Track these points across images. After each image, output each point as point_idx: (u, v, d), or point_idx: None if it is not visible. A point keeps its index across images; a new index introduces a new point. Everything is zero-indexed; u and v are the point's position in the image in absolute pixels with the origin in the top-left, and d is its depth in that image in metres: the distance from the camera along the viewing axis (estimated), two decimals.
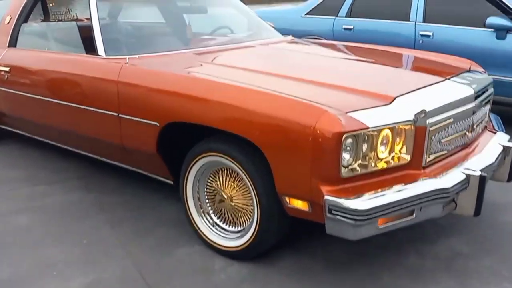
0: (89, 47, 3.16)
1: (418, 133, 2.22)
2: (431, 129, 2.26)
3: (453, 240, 2.81)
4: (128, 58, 2.93)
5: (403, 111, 2.20)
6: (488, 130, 2.93)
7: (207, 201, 2.70)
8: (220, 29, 3.98)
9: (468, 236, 2.85)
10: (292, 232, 2.65)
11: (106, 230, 2.95)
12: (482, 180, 2.26)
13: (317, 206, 2.14)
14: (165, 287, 2.42)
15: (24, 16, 3.83)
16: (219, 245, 2.62)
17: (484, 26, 4.60)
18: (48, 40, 3.66)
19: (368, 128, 2.08)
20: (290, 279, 2.46)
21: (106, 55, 3.03)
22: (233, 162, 2.41)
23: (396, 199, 2.09)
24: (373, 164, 2.16)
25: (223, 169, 2.58)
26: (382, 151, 2.18)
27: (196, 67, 2.80)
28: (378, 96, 2.29)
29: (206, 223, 2.69)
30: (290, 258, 2.63)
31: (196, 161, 2.60)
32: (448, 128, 2.39)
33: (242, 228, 2.58)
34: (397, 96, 2.28)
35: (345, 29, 5.89)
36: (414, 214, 2.18)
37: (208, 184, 2.68)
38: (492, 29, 4.59)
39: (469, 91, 2.53)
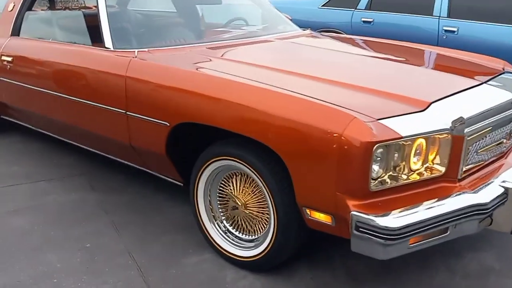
0: (96, 38, 2.99)
1: (455, 143, 2.03)
2: (468, 138, 2.07)
3: (483, 255, 2.62)
4: (137, 51, 2.75)
5: (439, 118, 2.02)
6: None
7: (219, 207, 2.53)
8: (235, 20, 3.79)
9: (498, 250, 2.66)
10: (309, 241, 2.48)
11: (110, 235, 2.79)
12: None
13: (341, 221, 1.97)
14: None
15: (29, 3, 3.65)
16: (232, 254, 2.46)
17: None
18: (53, 30, 3.49)
19: (402, 137, 1.90)
20: None
21: (113, 48, 2.85)
22: (249, 169, 2.25)
23: (430, 216, 1.91)
24: (404, 176, 1.98)
25: (237, 174, 2.42)
26: (415, 162, 2.00)
27: (211, 64, 2.62)
28: (412, 101, 2.11)
29: (218, 230, 2.53)
30: (308, 271, 2.47)
31: (208, 165, 2.44)
32: (486, 137, 2.21)
33: (256, 236, 2.41)
34: (433, 102, 2.09)
35: (364, 22, 5.69)
36: (448, 231, 2.01)
37: (221, 189, 2.51)
38: None
39: (508, 96, 2.34)
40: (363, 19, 5.71)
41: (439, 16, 4.96)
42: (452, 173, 2.08)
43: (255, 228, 2.43)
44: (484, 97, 2.29)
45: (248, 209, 2.40)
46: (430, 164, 2.04)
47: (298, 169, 2.02)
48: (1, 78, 3.62)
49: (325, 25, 5.78)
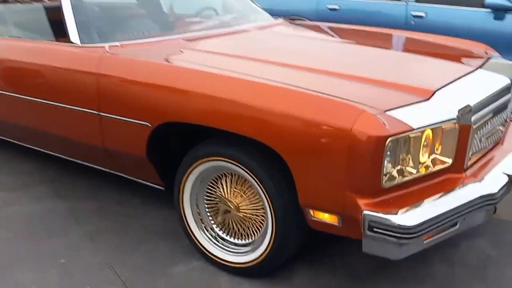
0: (59, 32, 2.75)
1: (462, 132, 1.96)
2: (475, 126, 2.00)
3: (478, 242, 2.59)
4: (108, 46, 2.54)
5: (445, 107, 1.94)
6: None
7: (208, 211, 2.37)
8: (205, 10, 3.61)
9: (491, 236, 2.63)
10: (307, 240, 2.37)
11: (85, 247, 2.59)
12: None
13: (350, 221, 1.86)
14: None
15: None
16: (225, 261, 2.32)
17: (483, 6, 4.39)
18: (10, 25, 3.20)
19: (413, 129, 1.80)
20: None
21: (81, 43, 2.62)
22: (243, 169, 2.10)
23: (444, 210, 1.83)
24: (413, 171, 1.89)
25: (227, 174, 2.27)
26: (423, 155, 1.91)
27: (193, 57, 2.45)
28: (415, 90, 2.02)
29: (208, 237, 2.38)
30: (307, 273, 2.36)
31: (195, 167, 2.27)
32: (487, 124, 2.15)
33: (252, 240, 2.27)
34: (437, 90, 2.00)
35: (330, 9, 5.62)
36: (458, 225, 1.93)
37: (209, 192, 2.35)
38: (490, 10, 4.40)
39: (505, 81, 2.30)
40: (329, 7, 5.64)
41: (407, 1, 4.93)
42: (458, 164, 2.01)
43: (248, 232, 2.29)
44: (484, 83, 2.23)
45: (241, 212, 2.26)
46: (437, 156, 1.96)
47: (301, 168, 1.90)
48: None
49: (289, 13, 5.66)
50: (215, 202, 2.35)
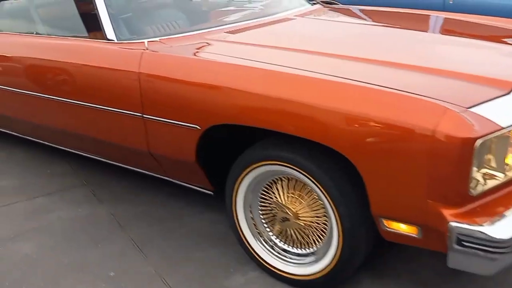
0: (91, 27, 2.60)
1: None
2: None
3: None
4: (147, 42, 2.38)
5: None
6: None
7: (264, 220, 2.23)
8: None
9: None
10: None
11: (133, 256, 2.47)
12: None
13: (432, 233, 1.70)
14: None
15: None
16: (286, 272, 2.17)
17: None
18: (37, 21, 3.06)
19: (502, 128, 1.62)
20: None
21: (117, 39, 2.47)
22: (304, 175, 1.94)
23: None
24: (501, 175, 1.71)
25: (283, 179, 2.11)
26: (510, 157, 1.73)
27: (240, 51, 2.27)
28: (492, 82, 1.83)
29: (264, 247, 2.24)
30: (372, 284, 2.20)
31: (248, 172, 2.12)
32: None
33: (313, 250, 2.12)
34: None
35: None
36: None
37: (263, 198, 2.21)
38: None
39: None
40: None
41: None
42: None
43: (309, 240, 2.14)
44: None
45: (301, 219, 2.11)
46: None
47: (374, 174, 1.73)
48: None
49: None
50: (270, 208, 2.20)
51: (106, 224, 2.75)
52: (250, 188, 2.17)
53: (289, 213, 2.12)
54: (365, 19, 3.13)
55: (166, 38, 2.46)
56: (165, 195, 2.99)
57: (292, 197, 2.10)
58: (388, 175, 1.71)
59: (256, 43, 2.38)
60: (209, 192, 2.47)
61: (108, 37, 2.48)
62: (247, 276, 2.28)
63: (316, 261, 2.09)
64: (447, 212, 1.63)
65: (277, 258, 2.19)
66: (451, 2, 4.64)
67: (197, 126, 2.13)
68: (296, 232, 2.15)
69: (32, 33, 3.00)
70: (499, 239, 1.56)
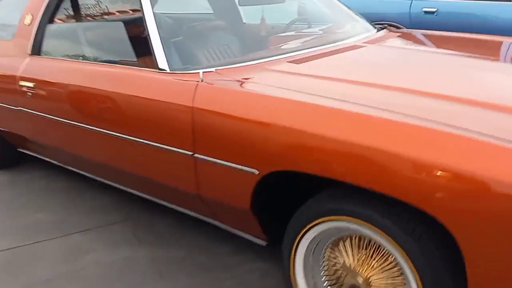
0: (141, 54, 2.42)
1: None
2: None
3: None
4: (202, 72, 2.17)
5: None
6: None
7: (329, 286, 1.94)
8: (295, 21, 3.20)
9: None
10: None
11: None
12: None
13: None
14: None
15: (50, 14, 3.08)
16: None
17: None
18: (84, 46, 2.92)
19: None
20: None
21: (170, 69, 2.27)
22: (381, 234, 1.66)
23: None
24: None
25: (350, 236, 1.84)
26: None
27: (308, 85, 2.03)
28: None
29: None
30: None
31: (311, 227, 1.85)
32: None
33: None
34: None
35: (425, 12, 5.10)
36: None
37: (327, 259, 1.93)
38: None
39: None
40: (424, 9, 5.12)
41: None
42: None
43: None
44: None
45: (372, 285, 1.81)
46: None
47: (480, 251, 1.43)
48: (20, 108, 3.06)
49: (378, 16, 5.16)
50: (334, 271, 1.92)
51: (144, 271, 2.52)
52: (312, 247, 1.90)
53: (358, 279, 1.83)
54: (440, 47, 2.84)
55: (223, 69, 2.24)
56: (211, 239, 2.75)
57: (363, 259, 1.81)
58: (500, 255, 1.40)
59: (326, 75, 2.12)
60: (261, 242, 2.21)
61: (160, 66, 2.28)
62: None
63: None
64: None
65: None
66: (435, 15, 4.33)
67: (255, 171, 1.89)
68: None
69: (79, 58, 2.84)
70: None
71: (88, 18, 3.29)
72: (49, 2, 3.06)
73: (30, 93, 2.93)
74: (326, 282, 1.94)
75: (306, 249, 1.90)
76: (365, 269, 1.82)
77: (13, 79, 3.04)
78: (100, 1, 3.64)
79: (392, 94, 1.86)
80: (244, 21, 3.48)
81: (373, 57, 2.49)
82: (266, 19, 3.20)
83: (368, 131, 1.62)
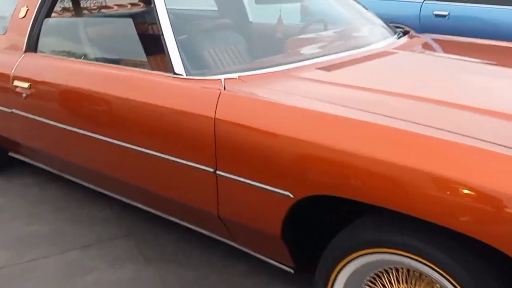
0: (153, 55, 2.21)
1: None
2: None
3: None
4: (224, 79, 1.96)
5: None
6: None
7: None
8: (312, 23, 3.01)
9: None
10: None
11: None
12: None
13: None
14: None
15: (48, 6, 2.85)
16: None
17: None
18: (86, 43, 2.69)
19: None
20: None
21: (187, 74, 2.06)
22: (435, 269, 1.47)
23: None
24: None
25: (394, 269, 1.65)
26: None
27: (349, 97, 1.83)
28: None
29: None
30: None
31: (350, 261, 1.67)
32: None
33: None
34: None
35: (436, 15, 4.94)
36: None
37: None
38: None
39: None
40: (435, 12, 4.96)
41: None
42: None
43: None
44: None
45: None
46: None
47: None
48: (13, 111, 2.83)
49: (386, 18, 4.99)
50: None
51: None
52: (351, 282, 1.71)
53: None
54: (472, 55, 2.66)
55: (247, 75, 2.03)
56: (222, 256, 2.56)
57: None
58: None
59: (365, 86, 1.92)
60: (288, 269, 2.02)
61: (176, 71, 2.07)
62: None
63: None
64: None
65: None
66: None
67: (289, 194, 1.69)
68: None
69: (80, 57, 2.62)
70: None
71: (91, 12, 3.05)
72: None
73: (24, 94, 2.70)
74: None
75: (345, 281, 1.71)
76: None
77: (6, 78, 2.81)
78: None
79: (449, 111, 1.67)
80: (251, 20, 3.28)
81: (410, 65, 2.30)
82: (279, 19, 3.01)
83: (430, 156, 1.44)
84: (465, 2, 4.85)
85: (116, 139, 2.26)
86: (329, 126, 1.64)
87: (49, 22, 2.83)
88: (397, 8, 5.33)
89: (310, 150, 1.64)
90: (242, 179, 1.82)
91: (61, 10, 3.06)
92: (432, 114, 1.65)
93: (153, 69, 2.21)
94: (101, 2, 3.43)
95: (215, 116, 1.86)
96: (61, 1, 2.96)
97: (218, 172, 1.89)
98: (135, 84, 2.20)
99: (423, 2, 5.12)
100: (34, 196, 3.27)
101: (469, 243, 1.42)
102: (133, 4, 3.52)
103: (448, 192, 1.37)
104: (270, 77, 2.05)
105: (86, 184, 2.90)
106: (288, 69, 2.14)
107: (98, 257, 2.61)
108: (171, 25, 2.15)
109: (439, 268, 1.48)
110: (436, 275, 1.49)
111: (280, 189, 1.71)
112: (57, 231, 2.85)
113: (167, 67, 2.12)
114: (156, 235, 2.78)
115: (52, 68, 2.66)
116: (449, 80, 2.07)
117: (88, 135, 2.38)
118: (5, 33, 3.01)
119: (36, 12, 2.85)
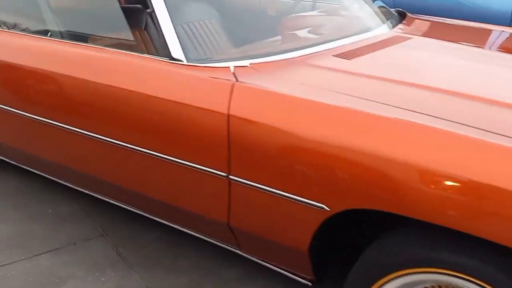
0: (143, 34, 1.93)
1: None
2: None
3: None
4: (234, 67, 1.71)
5: None
6: None
7: None
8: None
9: None
10: None
11: None
12: None
13: None
14: None
15: None
16: None
17: None
18: (54, 15, 2.32)
19: None
20: None
21: (187, 61, 1.79)
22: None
23: None
24: None
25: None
26: None
27: (381, 91, 1.62)
28: None
29: None
30: None
31: (386, 282, 1.49)
32: None
33: None
34: None
35: None
36: None
37: None
38: None
39: None
40: None
41: None
42: None
43: None
44: None
45: None
46: None
47: None
48: None
49: None
50: None
51: None
52: None
53: None
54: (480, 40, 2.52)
55: (259, 63, 1.78)
56: (213, 258, 2.35)
57: None
58: None
59: (395, 78, 1.72)
60: (306, 282, 1.83)
61: (174, 55, 1.79)
62: None
63: None
64: None
65: None
66: None
67: (323, 206, 1.48)
68: None
69: (47, 34, 2.27)
70: None
71: None
72: None
73: None
74: None
75: None
76: None
77: None
78: None
79: (494, 110, 1.50)
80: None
81: (433, 53, 2.10)
82: None
83: (486, 164, 1.26)
84: None
85: (105, 136, 1.97)
86: (378, 130, 1.43)
87: None
88: None
89: (352, 156, 1.43)
90: (261, 186, 1.60)
91: None
92: (481, 114, 1.48)
93: (143, 53, 1.90)
94: None
95: (228, 112, 1.62)
96: None
97: (231, 176, 1.65)
98: (129, 72, 1.89)
99: None
100: (10, 193, 2.89)
101: None
102: None
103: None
104: (285, 66, 1.80)
105: (48, 176, 2.58)
106: (303, 55, 1.89)
107: (72, 262, 2.33)
108: (165, 3, 1.85)
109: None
110: None
111: (312, 200, 1.50)
112: (22, 231, 2.54)
113: (160, 49, 1.83)
114: (135, 234, 2.53)
115: (12, 47, 2.29)
116: (477, 72, 1.90)
117: (75, 131, 2.07)
118: None
119: None
